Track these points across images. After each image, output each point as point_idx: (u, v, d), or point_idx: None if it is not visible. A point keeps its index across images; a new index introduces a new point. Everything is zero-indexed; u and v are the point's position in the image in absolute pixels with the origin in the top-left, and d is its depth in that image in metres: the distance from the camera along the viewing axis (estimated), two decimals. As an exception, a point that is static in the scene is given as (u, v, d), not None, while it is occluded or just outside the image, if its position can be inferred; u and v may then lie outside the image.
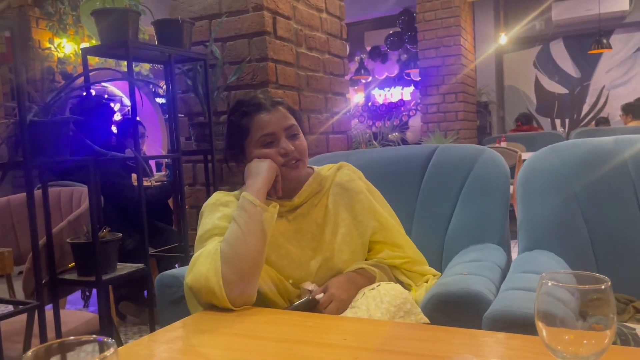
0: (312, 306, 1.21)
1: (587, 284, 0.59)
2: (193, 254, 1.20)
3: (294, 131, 1.30)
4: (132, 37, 1.84)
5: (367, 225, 1.35)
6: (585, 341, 0.58)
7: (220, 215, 1.24)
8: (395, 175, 1.73)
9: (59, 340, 0.51)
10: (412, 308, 1.15)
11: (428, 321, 1.15)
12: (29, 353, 0.49)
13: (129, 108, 1.85)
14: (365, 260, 1.37)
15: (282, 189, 1.29)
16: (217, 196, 1.32)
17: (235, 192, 1.34)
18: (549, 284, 0.60)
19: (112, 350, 0.48)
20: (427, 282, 1.37)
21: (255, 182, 1.22)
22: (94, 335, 0.51)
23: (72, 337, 0.51)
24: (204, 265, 1.11)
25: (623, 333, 1.02)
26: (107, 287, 1.92)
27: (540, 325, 0.60)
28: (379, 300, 1.14)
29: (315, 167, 1.43)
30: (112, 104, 6.50)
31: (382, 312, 1.11)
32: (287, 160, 1.27)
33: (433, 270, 1.41)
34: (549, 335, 0.59)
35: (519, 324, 0.99)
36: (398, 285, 1.22)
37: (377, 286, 1.20)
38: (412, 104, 8.99)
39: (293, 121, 1.31)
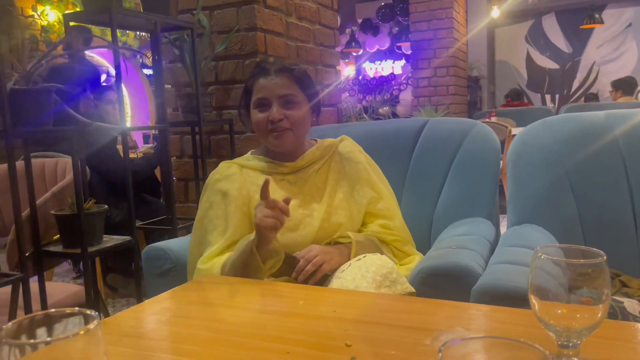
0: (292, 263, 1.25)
1: (582, 259, 0.59)
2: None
3: (290, 100, 1.33)
4: (115, 3, 1.78)
5: (364, 194, 1.41)
6: (578, 315, 0.57)
7: (218, 200, 1.32)
8: (386, 148, 1.71)
9: (41, 312, 0.50)
10: (397, 277, 1.17)
11: (414, 291, 1.16)
12: (10, 324, 0.47)
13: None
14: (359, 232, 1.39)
15: (283, 153, 1.38)
16: (220, 170, 1.38)
17: (240, 160, 1.41)
18: (543, 257, 0.59)
19: (95, 322, 0.47)
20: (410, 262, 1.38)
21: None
22: (77, 308, 0.49)
23: (53, 310, 0.50)
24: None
25: (611, 306, 1.03)
26: (94, 260, 1.90)
27: (533, 298, 0.59)
28: (364, 270, 1.16)
29: (318, 140, 1.49)
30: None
31: (368, 282, 1.13)
32: (272, 127, 1.33)
33: (420, 254, 1.43)
34: (542, 309, 0.59)
35: (508, 298, 0.99)
36: (384, 256, 1.24)
37: (363, 257, 1.22)
38: (403, 78, 8.92)
39: (292, 90, 1.34)
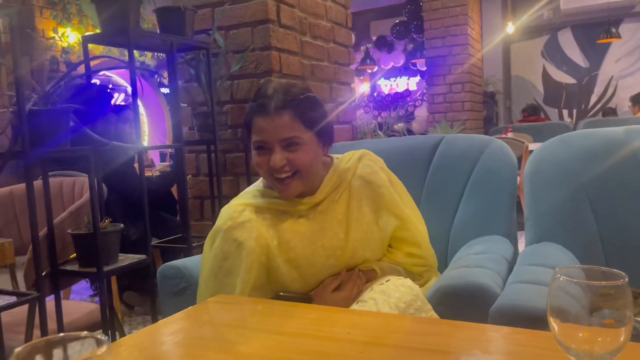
0: (306, 299, 1.23)
1: (603, 280, 0.57)
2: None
3: (294, 142, 1.18)
4: (133, 25, 1.81)
5: (387, 222, 1.30)
6: (599, 339, 0.56)
7: (233, 250, 1.20)
8: (401, 165, 1.69)
9: (49, 337, 0.49)
10: (422, 305, 1.13)
11: (439, 318, 1.13)
12: (21, 348, 0.47)
13: (132, 97, 1.82)
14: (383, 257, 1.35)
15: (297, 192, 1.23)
16: (233, 215, 1.22)
17: (253, 200, 1.26)
18: (562, 278, 0.57)
19: (104, 348, 0.46)
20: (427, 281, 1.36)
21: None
22: (85, 332, 0.49)
23: (62, 334, 0.49)
24: None
25: (634, 328, 1.00)
26: (109, 279, 1.91)
27: (552, 321, 0.57)
28: (387, 296, 1.12)
29: (334, 156, 1.34)
30: (116, 94, 6.48)
31: (391, 308, 1.10)
32: (275, 175, 1.19)
33: (437, 273, 1.40)
34: (562, 332, 0.57)
35: (527, 319, 0.97)
36: (408, 280, 1.20)
37: (387, 281, 1.17)
38: (418, 94, 8.92)
39: (295, 131, 1.17)
